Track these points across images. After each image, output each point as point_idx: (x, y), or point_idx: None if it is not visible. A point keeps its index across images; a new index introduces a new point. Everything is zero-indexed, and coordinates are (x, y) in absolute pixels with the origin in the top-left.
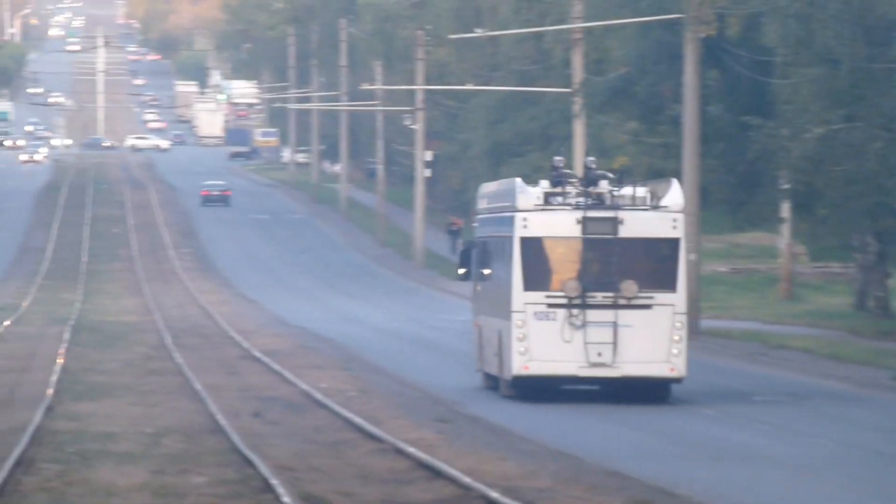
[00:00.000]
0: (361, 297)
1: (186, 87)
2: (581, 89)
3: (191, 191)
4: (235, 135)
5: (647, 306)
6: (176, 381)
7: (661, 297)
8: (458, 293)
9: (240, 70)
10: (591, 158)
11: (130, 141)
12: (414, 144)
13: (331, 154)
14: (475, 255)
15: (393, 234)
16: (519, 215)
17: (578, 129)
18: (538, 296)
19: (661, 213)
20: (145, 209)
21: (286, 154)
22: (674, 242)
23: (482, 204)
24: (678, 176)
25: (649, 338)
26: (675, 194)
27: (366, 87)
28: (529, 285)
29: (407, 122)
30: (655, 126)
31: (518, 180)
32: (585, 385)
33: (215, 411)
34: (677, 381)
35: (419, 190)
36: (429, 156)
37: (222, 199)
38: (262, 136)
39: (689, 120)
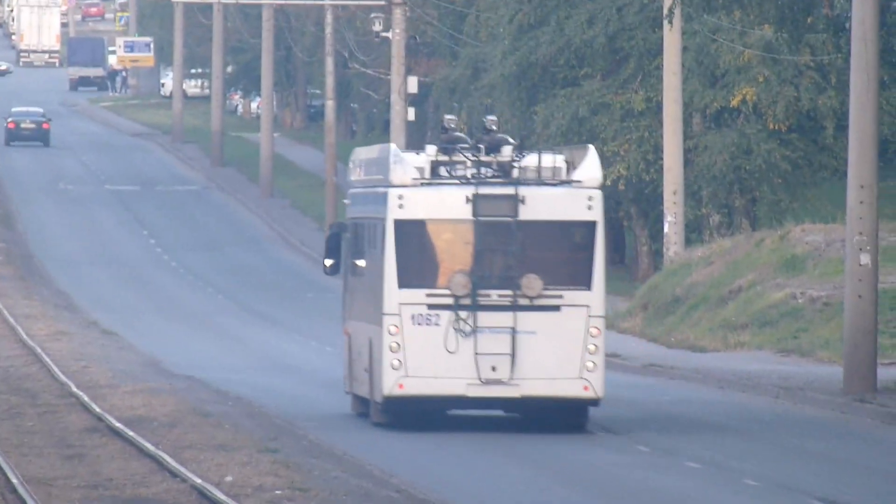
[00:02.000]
0: (297, 327)
1: None
2: None
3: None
4: (81, 48)
5: (555, 308)
6: None
7: (572, 296)
8: None
9: None
10: (492, 117)
11: None
12: (387, 66)
13: (245, 82)
14: (345, 243)
15: None
16: (393, 192)
17: (671, 41)
18: (417, 294)
19: (573, 190)
20: None
21: (168, 81)
22: (589, 227)
23: (355, 175)
24: (842, 119)
25: (557, 348)
26: (590, 165)
27: None
28: (406, 281)
29: (376, 28)
30: (803, 34)
31: (393, 146)
32: (481, 409)
33: None
34: (593, 402)
35: (396, 144)
36: (413, 86)
37: (38, 136)
38: (127, 51)
39: (861, 25)
